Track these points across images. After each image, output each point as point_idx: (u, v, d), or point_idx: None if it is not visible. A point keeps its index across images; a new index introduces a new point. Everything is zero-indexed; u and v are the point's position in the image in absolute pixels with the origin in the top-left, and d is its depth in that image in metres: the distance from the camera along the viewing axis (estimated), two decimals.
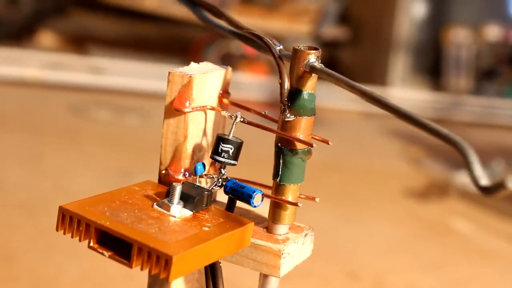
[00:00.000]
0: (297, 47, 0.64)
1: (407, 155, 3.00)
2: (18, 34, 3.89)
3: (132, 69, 3.52)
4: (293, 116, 0.64)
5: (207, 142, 0.69)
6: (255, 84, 3.56)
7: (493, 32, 3.96)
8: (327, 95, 3.43)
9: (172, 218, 0.61)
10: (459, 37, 3.93)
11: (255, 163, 1.84)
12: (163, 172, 0.68)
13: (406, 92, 3.83)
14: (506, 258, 2.13)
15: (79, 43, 4.06)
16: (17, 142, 2.49)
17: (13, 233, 1.83)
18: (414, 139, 3.26)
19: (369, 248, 2.07)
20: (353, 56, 4.24)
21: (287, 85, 0.63)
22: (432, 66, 3.99)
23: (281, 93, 0.63)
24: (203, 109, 0.67)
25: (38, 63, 3.39)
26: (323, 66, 0.64)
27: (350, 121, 3.45)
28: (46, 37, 4.04)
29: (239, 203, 0.67)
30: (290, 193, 0.66)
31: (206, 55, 3.51)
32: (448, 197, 2.54)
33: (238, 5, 4.04)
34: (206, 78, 0.67)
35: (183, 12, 3.93)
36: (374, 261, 1.98)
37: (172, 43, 4.31)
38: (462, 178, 2.55)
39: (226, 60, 3.34)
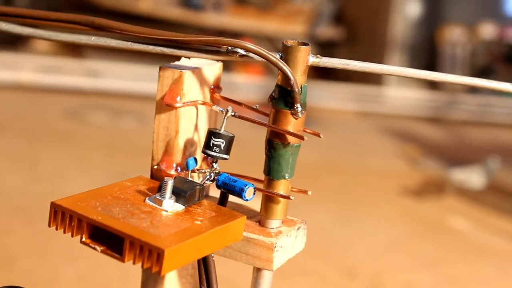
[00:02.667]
0: (291, 45, 0.64)
1: (403, 154, 3.00)
2: (13, 39, 3.89)
3: (128, 72, 3.52)
4: (303, 112, 0.64)
5: (199, 136, 0.69)
6: (250, 85, 3.56)
7: (487, 30, 3.97)
8: (323, 95, 3.43)
9: (164, 213, 0.61)
10: (454, 36, 3.93)
11: (248, 158, 1.84)
12: (155, 167, 0.68)
13: (402, 91, 3.83)
14: (503, 255, 2.14)
15: (74, 46, 4.06)
16: (13, 146, 2.49)
17: (10, 237, 1.83)
18: (410, 137, 3.26)
19: (367, 247, 2.07)
20: (348, 55, 4.24)
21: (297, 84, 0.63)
22: (427, 65, 4.00)
23: (294, 94, 0.62)
24: (194, 104, 0.67)
25: (33, 67, 3.39)
26: (323, 58, 0.64)
27: (346, 121, 3.46)
28: (41, 41, 4.04)
29: (232, 198, 0.67)
30: (282, 187, 0.66)
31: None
32: (445, 195, 2.55)
33: (233, 6, 4.04)
34: (196, 73, 0.67)
35: (177, 13, 3.93)
36: (371, 260, 1.98)
37: None
38: (458, 176, 2.55)
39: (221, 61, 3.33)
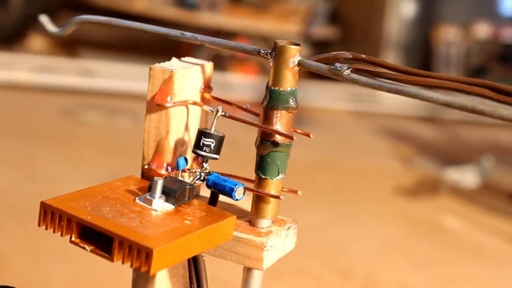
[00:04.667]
0: (280, 44, 0.64)
1: (397, 154, 3.01)
2: (9, 38, 3.88)
3: (123, 71, 3.52)
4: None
5: (190, 136, 0.69)
6: (245, 84, 3.56)
7: (482, 30, 3.97)
8: (317, 95, 3.43)
9: (153, 212, 0.61)
10: (449, 35, 3.94)
11: (240, 157, 1.84)
12: (146, 167, 0.68)
13: None
14: (497, 255, 2.14)
15: (69, 46, 4.06)
16: (8, 146, 2.49)
17: (4, 237, 1.82)
18: (404, 137, 3.26)
19: (361, 247, 2.08)
20: None
21: None
22: (422, 65, 4.00)
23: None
24: (185, 104, 0.67)
25: (28, 66, 3.39)
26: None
27: (340, 121, 3.46)
28: (37, 41, 4.03)
29: (223, 198, 0.67)
30: (273, 187, 0.66)
31: (197, 57, 3.51)
32: (439, 195, 2.55)
33: (228, 5, 4.04)
34: (187, 73, 0.67)
35: (173, 13, 3.93)
36: (365, 260, 1.99)
37: (162, 45, 4.31)
38: (452, 175, 2.55)
39: (216, 61, 3.34)
